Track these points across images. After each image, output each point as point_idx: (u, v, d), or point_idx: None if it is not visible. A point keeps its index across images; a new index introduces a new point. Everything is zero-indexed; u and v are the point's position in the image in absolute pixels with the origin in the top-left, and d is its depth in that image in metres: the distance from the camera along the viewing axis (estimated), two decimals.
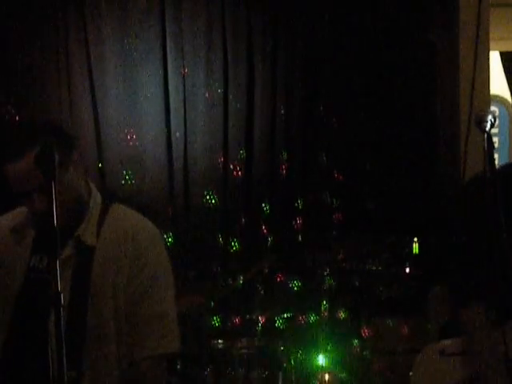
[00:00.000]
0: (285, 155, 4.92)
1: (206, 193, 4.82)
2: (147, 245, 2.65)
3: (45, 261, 2.59)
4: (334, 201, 4.85)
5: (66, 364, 1.94)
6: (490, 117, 2.28)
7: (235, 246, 4.81)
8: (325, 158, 4.91)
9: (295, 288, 4.76)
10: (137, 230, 2.66)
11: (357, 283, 4.60)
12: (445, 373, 2.50)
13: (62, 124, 4.56)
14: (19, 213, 2.71)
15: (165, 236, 4.54)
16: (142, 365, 2.59)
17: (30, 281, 2.59)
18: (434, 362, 2.55)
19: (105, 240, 2.62)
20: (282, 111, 4.94)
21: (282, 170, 4.89)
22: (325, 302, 4.52)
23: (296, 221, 4.87)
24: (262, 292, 4.69)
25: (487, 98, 4.84)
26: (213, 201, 4.81)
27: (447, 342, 2.56)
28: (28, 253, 2.63)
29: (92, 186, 2.71)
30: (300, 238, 4.87)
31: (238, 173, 4.86)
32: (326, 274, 4.56)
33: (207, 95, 4.87)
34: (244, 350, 4.24)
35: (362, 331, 4.55)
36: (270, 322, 4.55)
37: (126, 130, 4.78)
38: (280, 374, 4.26)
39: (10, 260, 2.64)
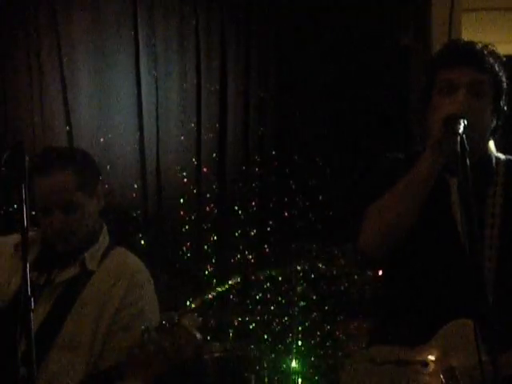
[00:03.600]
0: (258, 158, 4.91)
1: (179, 196, 4.80)
2: (142, 284, 2.75)
3: (42, 277, 2.67)
4: (308, 203, 4.85)
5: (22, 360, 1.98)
6: (462, 119, 2.28)
7: (208, 246, 4.79)
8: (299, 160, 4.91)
9: (268, 291, 4.75)
10: (136, 270, 2.77)
11: (330, 286, 4.61)
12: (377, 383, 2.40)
13: (34, 128, 4.58)
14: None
15: (136, 238, 4.54)
16: None
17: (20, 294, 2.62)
18: (364, 370, 2.44)
19: (105, 269, 2.72)
20: (256, 113, 4.93)
21: (256, 172, 4.88)
22: (297, 305, 4.52)
23: (269, 223, 4.86)
24: (235, 294, 4.69)
25: None
26: (186, 203, 4.80)
27: (378, 348, 2.46)
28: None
29: (103, 222, 2.83)
30: (273, 241, 4.86)
31: (211, 175, 4.85)
32: (298, 276, 4.57)
33: (180, 97, 4.86)
34: (216, 354, 4.23)
35: (336, 334, 4.55)
36: (242, 325, 4.55)
37: (98, 133, 4.76)
38: (253, 377, 4.26)
39: (8, 274, 2.71)
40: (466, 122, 2.27)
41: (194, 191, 4.84)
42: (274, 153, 4.92)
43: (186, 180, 4.83)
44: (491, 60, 2.45)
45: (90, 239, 2.73)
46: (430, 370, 2.37)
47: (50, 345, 2.59)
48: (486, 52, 2.46)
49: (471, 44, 2.51)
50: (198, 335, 2.33)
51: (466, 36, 4.56)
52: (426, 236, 2.46)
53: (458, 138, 2.18)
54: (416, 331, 2.41)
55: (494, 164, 2.52)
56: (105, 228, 2.82)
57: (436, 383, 2.35)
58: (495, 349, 2.03)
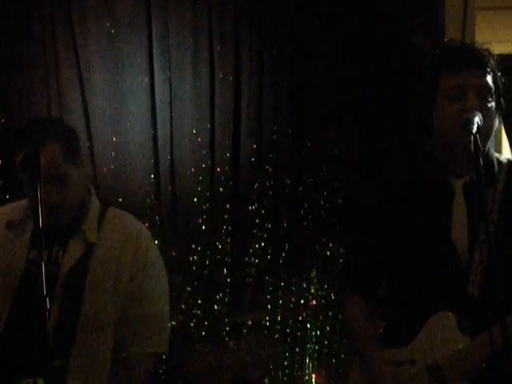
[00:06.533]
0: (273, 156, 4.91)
1: (192, 195, 4.81)
2: (147, 246, 2.75)
3: (44, 255, 2.61)
4: (323, 205, 4.84)
5: (55, 352, 1.97)
6: (476, 119, 2.30)
7: (222, 245, 4.79)
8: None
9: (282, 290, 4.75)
10: (139, 232, 2.76)
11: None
12: None
13: None
14: (15, 207, 2.73)
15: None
16: (131, 360, 2.61)
17: (29, 274, 2.61)
18: (360, 374, 2.56)
19: (105, 238, 2.70)
20: (269, 114, 4.94)
21: (270, 172, 4.88)
22: (313, 304, 4.53)
23: (284, 223, 4.86)
24: (249, 293, 4.69)
25: None
26: (200, 203, 4.80)
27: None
28: (27, 247, 2.64)
29: (91, 186, 2.81)
30: (288, 242, 4.86)
31: (225, 175, 4.85)
32: (312, 275, 4.58)
33: (193, 97, 4.87)
34: (231, 354, 4.24)
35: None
36: (257, 324, 4.55)
37: (112, 133, 4.78)
38: (266, 377, 4.26)
39: (8, 254, 2.68)
40: (480, 122, 2.29)
41: (208, 191, 4.84)
42: (288, 152, 4.93)
43: (199, 179, 4.83)
44: (492, 60, 2.48)
45: (82, 208, 2.70)
46: (418, 366, 2.43)
47: (74, 331, 2.57)
48: (486, 53, 2.50)
49: (472, 46, 2.56)
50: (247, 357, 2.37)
51: (479, 35, 4.55)
52: (423, 239, 2.49)
53: (472, 137, 2.19)
54: (409, 333, 2.47)
55: (495, 165, 2.55)
56: (93, 191, 2.79)
57: (423, 379, 2.41)
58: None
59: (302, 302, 4.63)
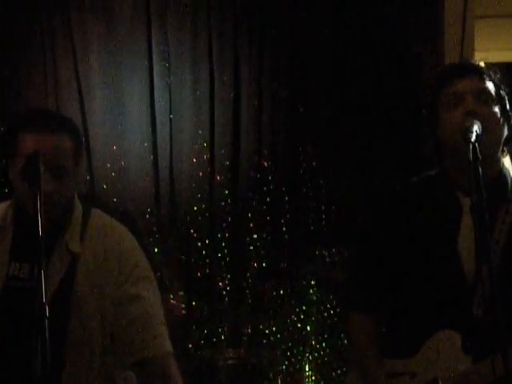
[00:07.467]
0: (271, 165, 4.91)
1: (192, 203, 4.80)
2: (132, 250, 2.62)
3: (25, 269, 2.51)
4: (321, 207, 4.83)
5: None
6: (475, 127, 2.28)
7: (221, 253, 4.79)
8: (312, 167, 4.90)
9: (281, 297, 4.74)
10: (121, 237, 2.63)
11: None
12: None
13: None
14: None
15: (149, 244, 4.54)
16: (152, 361, 2.53)
17: (9, 290, 2.52)
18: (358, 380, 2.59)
19: (89, 248, 2.57)
20: (268, 121, 4.94)
21: (268, 178, 4.88)
22: (312, 311, 4.53)
23: (282, 228, 4.85)
24: (249, 301, 4.69)
25: None
26: (199, 211, 4.79)
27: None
28: (6, 260, 2.53)
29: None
30: (286, 247, 4.85)
31: (224, 183, 4.85)
32: (312, 282, 4.58)
33: (193, 104, 4.87)
34: (230, 361, 4.23)
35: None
36: (256, 331, 4.55)
37: (111, 141, 4.77)
38: None
39: None
40: (478, 130, 2.27)
41: (208, 198, 4.84)
42: (286, 159, 4.93)
43: (199, 186, 4.83)
44: (491, 72, 2.48)
45: (67, 212, 2.56)
46: (417, 380, 2.43)
47: (62, 352, 2.45)
48: (483, 65, 2.50)
49: (469, 59, 2.58)
50: None
51: (478, 43, 4.55)
52: (430, 256, 2.47)
53: (471, 146, 2.18)
54: (411, 346, 2.47)
55: (509, 182, 2.50)
56: (75, 195, 2.64)
57: None
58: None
59: (303, 309, 4.63)
